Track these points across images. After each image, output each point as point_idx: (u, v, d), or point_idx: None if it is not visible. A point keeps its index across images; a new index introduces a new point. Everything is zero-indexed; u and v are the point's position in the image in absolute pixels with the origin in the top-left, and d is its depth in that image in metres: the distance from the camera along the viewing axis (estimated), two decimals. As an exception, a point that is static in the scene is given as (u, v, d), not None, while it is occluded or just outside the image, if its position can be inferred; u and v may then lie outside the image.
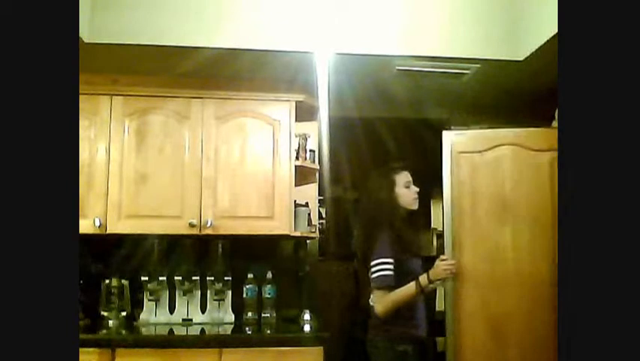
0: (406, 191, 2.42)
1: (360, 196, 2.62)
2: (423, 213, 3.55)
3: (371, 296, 2.34)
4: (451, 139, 2.80)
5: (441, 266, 2.31)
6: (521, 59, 2.64)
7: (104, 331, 2.77)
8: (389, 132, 3.67)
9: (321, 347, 2.53)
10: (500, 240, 2.68)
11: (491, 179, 2.73)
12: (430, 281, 2.29)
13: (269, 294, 3.02)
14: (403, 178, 2.43)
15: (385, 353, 2.31)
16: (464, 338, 2.66)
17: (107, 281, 2.91)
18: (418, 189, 2.45)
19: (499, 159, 2.75)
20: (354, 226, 2.57)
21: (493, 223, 2.70)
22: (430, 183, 3.24)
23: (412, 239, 2.48)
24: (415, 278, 2.29)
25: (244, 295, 3.02)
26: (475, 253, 2.69)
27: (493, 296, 2.65)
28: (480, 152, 2.76)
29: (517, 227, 2.68)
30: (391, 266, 2.28)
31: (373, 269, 2.29)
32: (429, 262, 2.37)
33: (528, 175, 2.71)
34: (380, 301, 2.29)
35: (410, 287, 2.27)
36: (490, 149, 2.76)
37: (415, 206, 2.43)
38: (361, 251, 2.41)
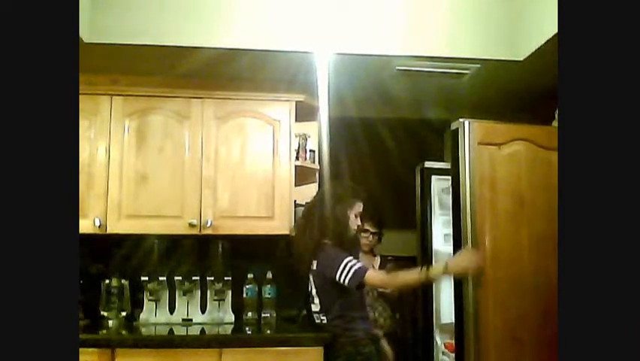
0: (354, 218, 2.51)
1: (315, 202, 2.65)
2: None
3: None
4: (470, 128, 2.61)
5: (465, 257, 2.25)
6: (521, 59, 2.64)
7: (104, 331, 2.77)
8: (389, 132, 3.67)
9: (321, 347, 2.52)
10: (518, 237, 2.57)
11: (508, 174, 2.61)
12: (446, 272, 2.23)
13: (269, 294, 3.02)
14: (358, 208, 2.52)
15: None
16: (482, 338, 2.50)
17: (107, 281, 2.91)
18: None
19: (516, 154, 2.63)
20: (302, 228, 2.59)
21: (511, 220, 2.58)
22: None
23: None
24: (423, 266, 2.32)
25: (244, 295, 3.02)
26: (495, 249, 2.53)
27: (511, 295, 2.54)
28: (499, 145, 2.62)
29: (534, 226, 2.58)
30: (356, 261, 2.34)
31: (345, 270, 2.31)
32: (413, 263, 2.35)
33: (542, 173, 2.61)
34: (387, 281, 2.39)
35: (414, 273, 2.30)
36: (507, 142, 2.63)
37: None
38: (309, 259, 2.48)
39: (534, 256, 2.56)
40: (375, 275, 2.40)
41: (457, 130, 2.63)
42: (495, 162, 2.60)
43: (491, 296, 2.50)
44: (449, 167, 3.40)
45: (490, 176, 2.59)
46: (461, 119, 2.63)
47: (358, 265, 2.33)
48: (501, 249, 2.56)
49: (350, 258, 2.35)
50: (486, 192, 2.57)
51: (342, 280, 2.33)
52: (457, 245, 2.55)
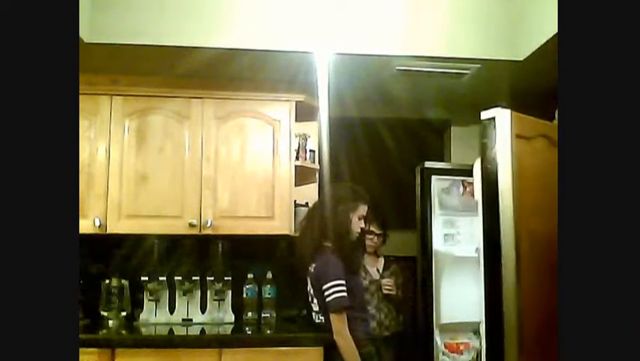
0: (357, 221, 2.51)
1: (318, 204, 2.69)
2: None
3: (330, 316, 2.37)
4: (511, 118, 2.45)
5: None
6: (521, 59, 2.64)
7: (104, 331, 2.77)
8: (389, 132, 3.67)
9: (321, 348, 2.52)
10: (548, 231, 2.48)
11: (536, 168, 2.49)
12: None
13: (269, 294, 3.02)
14: (361, 210, 2.52)
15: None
16: (524, 332, 2.35)
17: (107, 281, 2.91)
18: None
19: (540, 149, 2.54)
20: (305, 229, 2.60)
21: (544, 214, 2.38)
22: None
23: (359, 262, 2.68)
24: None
25: (244, 295, 3.02)
26: (533, 245, 2.40)
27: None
28: (528, 138, 2.51)
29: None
30: (344, 288, 2.35)
31: (330, 291, 2.35)
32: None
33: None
34: (342, 337, 2.34)
35: None
36: (535, 137, 2.54)
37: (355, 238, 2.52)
38: (309, 261, 2.50)
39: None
40: (341, 322, 2.35)
41: (492, 119, 2.47)
42: (526, 156, 2.50)
43: (530, 290, 2.39)
44: (449, 167, 3.42)
45: (524, 169, 2.48)
46: (498, 108, 2.47)
47: (342, 294, 2.34)
48: (538, 243, 2.44)
49: (339, 282, 2.35)
50: (522, 185, 2.46)
51: (324, 297, 2.37)
52: (493, 241, 2.42)
